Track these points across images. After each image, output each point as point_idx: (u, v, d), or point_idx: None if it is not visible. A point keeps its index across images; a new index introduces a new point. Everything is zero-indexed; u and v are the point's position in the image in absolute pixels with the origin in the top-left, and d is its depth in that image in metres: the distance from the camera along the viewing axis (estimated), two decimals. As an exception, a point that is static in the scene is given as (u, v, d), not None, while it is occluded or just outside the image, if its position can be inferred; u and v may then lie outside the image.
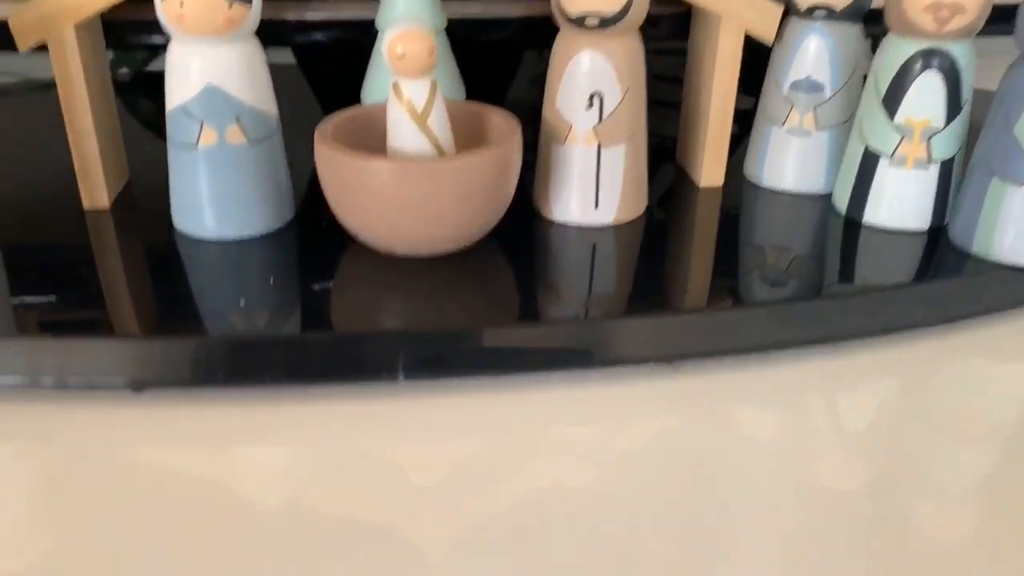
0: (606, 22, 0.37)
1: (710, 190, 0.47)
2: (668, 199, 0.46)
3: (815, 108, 0.44)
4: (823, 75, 0.43)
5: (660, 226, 0.43)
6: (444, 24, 0.44)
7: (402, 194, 0.36)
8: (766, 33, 0.43)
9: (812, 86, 0.44)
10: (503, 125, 0.39)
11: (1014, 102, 0.36)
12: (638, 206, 0.43)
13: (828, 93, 0.44)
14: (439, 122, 0.37)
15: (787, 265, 0.39)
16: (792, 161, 0.46)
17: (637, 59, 0.40)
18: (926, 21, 0.37)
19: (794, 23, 0.44)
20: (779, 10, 0.42)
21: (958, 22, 0.36)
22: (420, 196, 0.36)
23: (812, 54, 0.43)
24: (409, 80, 0.36)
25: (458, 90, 0.45)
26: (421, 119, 0.37)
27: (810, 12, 0.43)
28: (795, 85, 0.44)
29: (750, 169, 0.48)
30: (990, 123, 0.38)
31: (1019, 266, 0.38)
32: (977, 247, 0.39)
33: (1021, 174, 0.37)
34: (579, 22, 0.37)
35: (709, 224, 0.44)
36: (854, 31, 0.43)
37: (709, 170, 0.47)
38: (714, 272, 0.39)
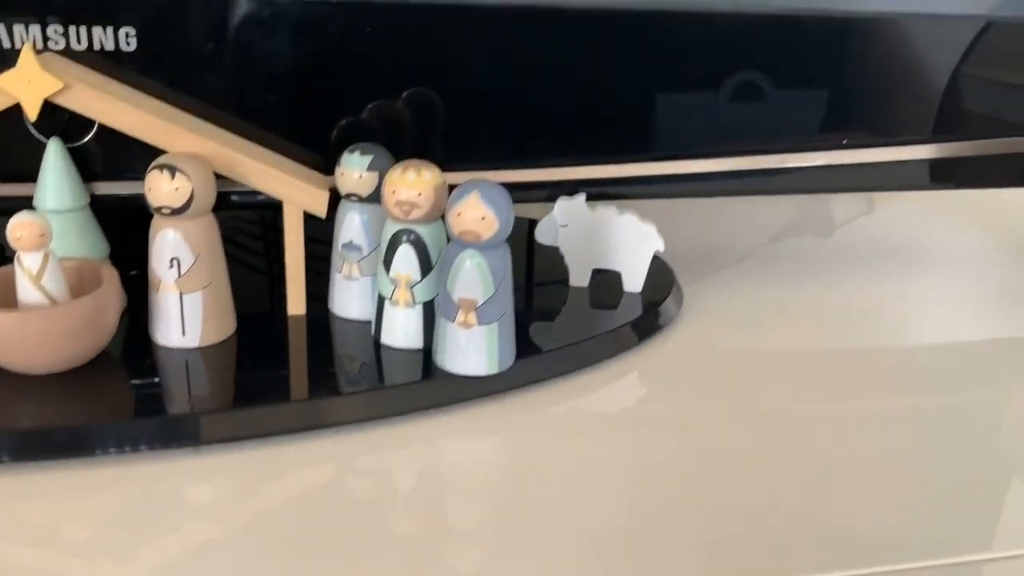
0: (176, 212, 0.51)
1: (296, 317, 0.59)
2: (263, 323, 0.58)
3: (358, 262, 0.58)
4: (361, 239, 0.58)
5: (249, 345, 0.55)
6: (86, 201, 0.55)
7: (17, 335, 0.48)
8: (319, 211, 0.57)
9: (353, 247, 0.58)
10: (107, 276, 0.51)
11: (446, 265, 0.52)
12: (222, 332, 0.55)
13: (365, 252, 0.58)
14: (53, 280, 0.49)
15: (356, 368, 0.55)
16: (351, 298, 0.59)
17: (208, 231, 0.53)
18: (397, 212, 0.53)
19: (342, 203, 0.58)
20: (326, 195, 0.56)
21: (417, 213, 0.53)
22: (33, 335, 0.48)
23: (353, 225, 0.58)
24: (26, 253, 0.48)
25: (101, 247, 0.56)
26: (36, 280, 0.49)
27: (348, 196, 0.57)
28: (345, 246, 0.58)
29: (330, 303, 0.61)
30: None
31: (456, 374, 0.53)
32: (438, 359, 0.54)
33: (451, 313, 0.53)
34: (159, 210, 0.51)
35: (296, 340, 0.57)
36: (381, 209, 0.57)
37: (293, 302, 0.59)
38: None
